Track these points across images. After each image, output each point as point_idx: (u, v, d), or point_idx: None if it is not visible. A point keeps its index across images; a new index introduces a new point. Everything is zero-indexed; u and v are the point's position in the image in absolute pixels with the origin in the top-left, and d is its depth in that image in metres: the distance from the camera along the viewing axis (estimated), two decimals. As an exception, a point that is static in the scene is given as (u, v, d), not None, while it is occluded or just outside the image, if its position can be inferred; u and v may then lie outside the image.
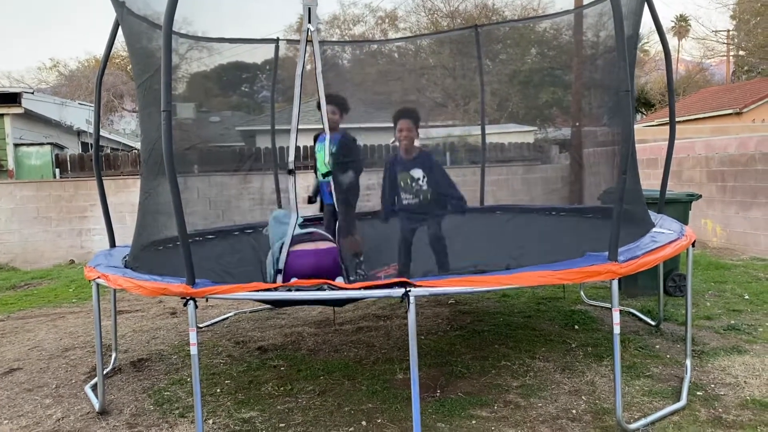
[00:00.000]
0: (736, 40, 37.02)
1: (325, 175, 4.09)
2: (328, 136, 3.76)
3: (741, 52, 37.09)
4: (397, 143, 4.43)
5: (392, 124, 4.42)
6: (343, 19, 25.33)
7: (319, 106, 4.12)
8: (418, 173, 4.28)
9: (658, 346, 4.73)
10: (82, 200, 10.91)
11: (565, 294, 6.32)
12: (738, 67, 38.46)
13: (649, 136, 14.84)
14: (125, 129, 31.22)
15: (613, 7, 3.26)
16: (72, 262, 10.67)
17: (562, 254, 3.55)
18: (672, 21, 46.53)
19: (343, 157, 4.05)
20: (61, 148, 13.80)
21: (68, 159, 11.81)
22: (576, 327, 5.30)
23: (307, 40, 3.75)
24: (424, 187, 4.29)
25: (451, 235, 4.76)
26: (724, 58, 39.93)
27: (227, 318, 6.15)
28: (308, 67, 4.15)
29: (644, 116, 31.94)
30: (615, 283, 3.35)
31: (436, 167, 4.40)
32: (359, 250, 4.22)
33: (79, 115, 17.16)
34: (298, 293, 3.09)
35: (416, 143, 4.41)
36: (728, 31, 37.81)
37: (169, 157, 3.05)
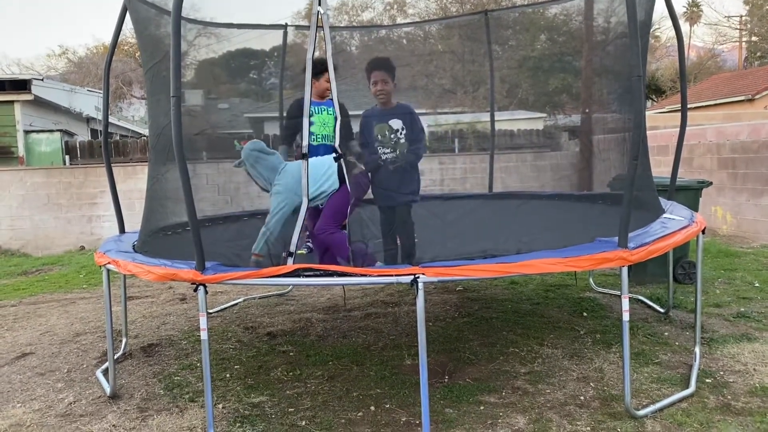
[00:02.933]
0: (749, 26, 36.60)
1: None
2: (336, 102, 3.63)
3: (754, 38, 36.69)
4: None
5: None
6: (352, 5, 25.17)
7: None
8: (397, 124, 3.90)
9: (666, 334, 4.72)
10: (92, 187, 10.97)
11: (576, 281, 6.30)
12: (750, 53, 38.04)
13: (660, 122, 14.73)
14: (134, 116, 31.25)
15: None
16: (82, 248, 10.75)
17: (571, 240, 3.54)
18: (684, 6, 46.07)
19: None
20: (71, 135, 13.86)
21: (78, 146, 11.87)
22: (585, 314, 5.30)
23: (317, 25, 3.73)
24: (402, 140, 3.89)
25: (460, 220, 4.75)
26: (737, 44, 39.50)
27: (236, 304, 6.18)
28: (317, 52, 4.12)
29: (655, 103, 31.69)
30: (625, 270, 3.33)
31: (417, 122, 3.96)
32: None
33: (88, 102, 17.21)
34: (308, 279, 3.10)
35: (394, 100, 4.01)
36: (741, 16, 37.41)
37: (179, 143, 3.06)
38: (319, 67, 4.21)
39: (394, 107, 4.00)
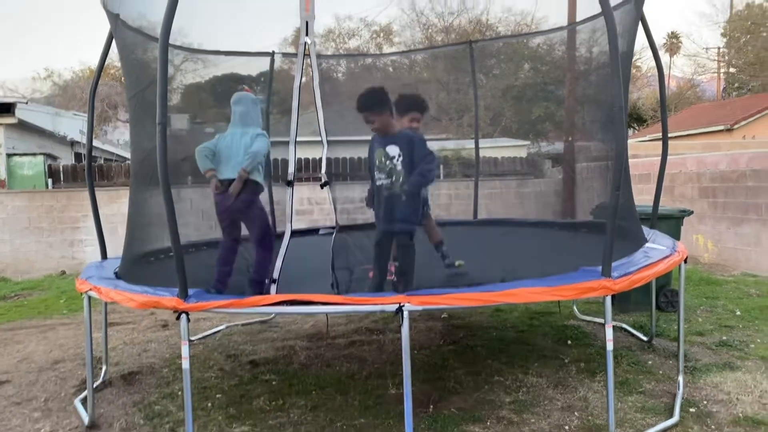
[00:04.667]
0: (726, 58, 37.42)
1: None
2: None
3: (731, 69, 37.48)
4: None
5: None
6: (338, 32, 25.43)
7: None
8: (393, 151, 3.86)
9: (650, 362, 4.73)
10: (75, 211, 10.87)
11: (560, 308, 6.31)
12: (728, 83, 38.84)
13: (641, 151, 14.93)
14: (119, 139, 31.11)
15: (607, 24, 3.29)
16: (63, 272, 10.61)
17: (555, 268, 3.56)
18: (663, 37, 46.99)
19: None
20: (54, 158, 13.75)
21: (61, 169, 11.77)
22: (569, 342, 5.30)
23: (304, 54, 3.77)
24: (398, 167, 3.85)
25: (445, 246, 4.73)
26: (715, 75, 40.33)
27: (219, 331, 6.11)
28: (304, 79, 4.14)
29: (636, 131, 32.15)
30: (608, 300, 3.35)
31: (418, 149, 3.87)
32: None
33: (72, 126, 17.12)
34: (292, 308, 3.09)
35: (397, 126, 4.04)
36: (719, 48, 38.24)
37: (164, 170, 3.05)
38: (404, 106, 4.22)
39: (394, 134, 3.96)
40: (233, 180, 4.14)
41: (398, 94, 4.40)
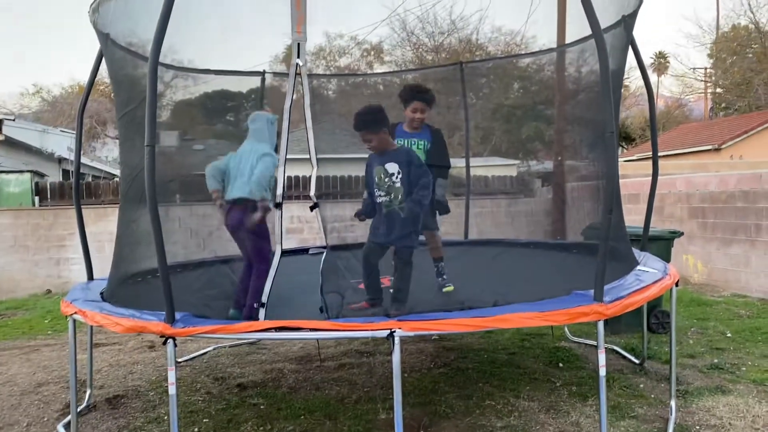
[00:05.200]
0: (713, 78, 37.89)
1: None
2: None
3: (718, 90, 37.93)
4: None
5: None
6: (329, 50, 25.52)
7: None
8: (392, 168, 3.82)
9: (642, 386, 4.70)
10: (61, 229, 10.75)
11: (552, 330, 6.28)
12: (716, 103, 39.30)
13: (630, 171, 15.02)
14: (107, 156, 30.98)
15: (597, 48, 3.29)
16: (49, 291, 10.46)
17: (547, 292, 3.53)
18: (651, 57, 47.60)
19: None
20: (42, 175, 13.66)
21: (48, 187, 11.65)
22: (560, 365, 5.26)
23: (295, 74, 3.75)
24: (397, 185, 3.82)
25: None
26: (702, 95, 40.81)
27: (206, 353, 6.02)
28: (295, 96, 4.11)
29: (625, 150, 32.41)
30: (601, 324, 3.32)
31: (416, 165, 3.85)
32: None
33: (60, 143, 17.04)
34: (280, 334, 3.03)
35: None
36: (706, 68, 38.72)
37: (152, 193, 3.00)
38: (406, 95, 4.32)
39: (394, 151, 3.93)
40: (239, 199, 4.13)
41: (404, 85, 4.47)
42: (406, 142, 4.60)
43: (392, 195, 3.81)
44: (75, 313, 3.79)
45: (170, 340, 3.08)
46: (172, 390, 3.13)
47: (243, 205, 4.16)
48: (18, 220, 10.65)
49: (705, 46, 37.56)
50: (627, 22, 4.42)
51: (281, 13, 3.77)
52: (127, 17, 4.32)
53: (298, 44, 3.60)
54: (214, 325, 3.12)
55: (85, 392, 4.75)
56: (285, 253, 4.26)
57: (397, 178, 3.81)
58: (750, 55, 32.47)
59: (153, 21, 3.17)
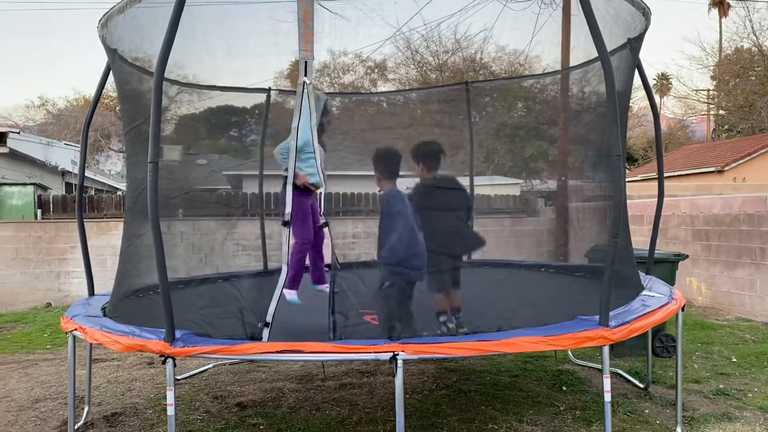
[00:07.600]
0: (716, 100, 37.96)
1: None
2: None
3: (721, 112, 37.98)
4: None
5: None
6: (333, 67, 25.63)
7: None
8: (380, 216, 3.98)
9: (647, 411, 4.63)
10: (63, 242, 10.73)
11: (556, 352, 6.21)
12: (718, 125, 39.34)
13: (633, 192, 14.98)
14: (111, 170, 31.08)
15: (604, 71, 3.28)
16: (49, 305, 10.42)
17: (552, 316, 3.49)
18: (654, 79, 47.76)
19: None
20: (45, 188, 13.67)
21: (51, 200, 11.65)
22: (564, 388, 5.20)
23: (303, 93, 3.75)
24: (377, 231, 3.96)
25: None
26: (705, 116, 40.86)
27: (206, 370, 5.97)
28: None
29: (628, 171, 32.40)
30: (606, 350, 3.28)
31: (387, 212, 3.95)
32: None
33: (64, 156, 17.08)
34: (283, 356, 2.99)
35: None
36: (708, 90, 38.79)
37: (154, 210, 2.98)
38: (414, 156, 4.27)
39: (385, 193, 4.00)
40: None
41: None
42: None
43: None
44: (75, 329, 3.75)
45: (170, 360, 3.04)
46: (170, 411, 3.08)
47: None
48: (20, 232, 10.64)
49: (708, 69, 37.63)
50: (633, 44, 4.42)
51: (287, 31, 3.79)
52: (134, 32, 4.34)
53: (306, 62, 3.59)
54: (216, 345, 3.08)
55: (83, 409, 4.70)
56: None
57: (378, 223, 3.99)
58: (753, 78, 32.51)
59: (160, 37, 3.17)
